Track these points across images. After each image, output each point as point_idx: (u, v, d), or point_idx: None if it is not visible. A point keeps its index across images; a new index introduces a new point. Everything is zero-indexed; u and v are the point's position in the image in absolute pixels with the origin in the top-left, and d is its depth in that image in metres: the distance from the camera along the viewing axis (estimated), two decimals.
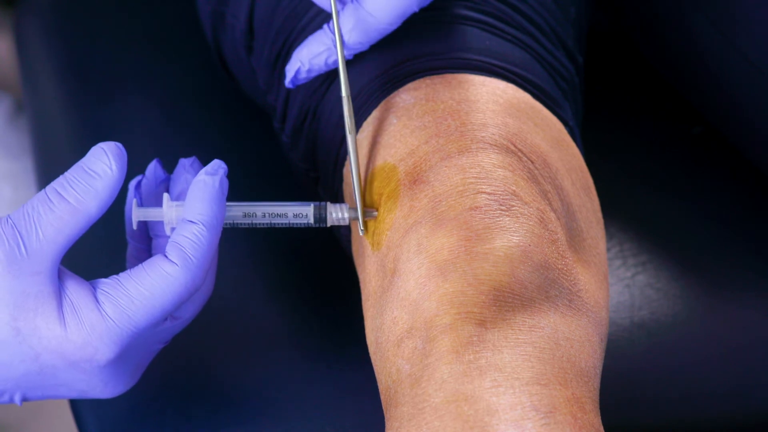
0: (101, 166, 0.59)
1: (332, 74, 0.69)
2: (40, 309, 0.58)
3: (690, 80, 0.89)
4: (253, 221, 0.63)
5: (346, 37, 0.65)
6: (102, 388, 0.60)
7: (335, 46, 0.64)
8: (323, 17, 0.70)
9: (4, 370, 0.58)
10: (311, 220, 0.63)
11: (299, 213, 0.63)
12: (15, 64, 1.28)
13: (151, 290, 0.59)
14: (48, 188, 0.59)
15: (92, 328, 0.58)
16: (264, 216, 0.63)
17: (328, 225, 0.64)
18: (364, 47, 0.65)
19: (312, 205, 0.63)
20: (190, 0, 0.91)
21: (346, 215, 0.63)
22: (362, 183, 0.63)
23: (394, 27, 0.65)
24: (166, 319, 0.61)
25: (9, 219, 0.58)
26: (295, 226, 0.63)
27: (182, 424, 0.74)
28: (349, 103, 0.63)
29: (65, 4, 1.00)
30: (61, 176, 0.59)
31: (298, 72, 0.67)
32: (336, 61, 0.66)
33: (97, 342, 0.58)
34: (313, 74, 0.67)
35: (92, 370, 0.59)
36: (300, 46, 0.67)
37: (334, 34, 0.64)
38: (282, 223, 0.63)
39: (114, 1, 0.99)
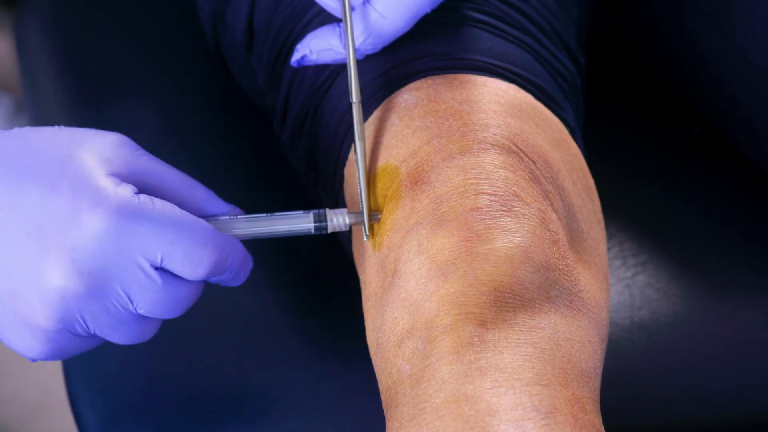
0: (228, 261, 0.60)
1: (334, 73, 0.69)
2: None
3: (690, 80, 0.89)
4: (255, 230, 0.63)
5: (357, 42, 0.64)
6: (46, 295, 0.57)
7: (345, 48, 0.64)
8: (324, 16, 0.70)
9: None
10: (311, 229, 0.63)
11: (298, 221, 0.63)
12: (15, 64, 1.28)
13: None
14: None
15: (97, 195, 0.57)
16: (264, 225, 0.63)
17: (329, 232, 0.63)
18: (376, 49, 0.65)
19: (311, 213, 0.63)
20: (190, 0, 0.91)
21: (347, 221, 0.63)
22: (368, 188, 0.63)
23: (407, 29, 0.65)
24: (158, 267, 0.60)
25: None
26: (295, 234, 0.63)
27: (182, 424, 0.74)
28: (359, 110, 0.63)
29: (65, 4, 1.00)
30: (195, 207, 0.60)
31: (305, 57, 0.67)
32: (344, 57, 0.66)
33: (95, 208, 0.57)
34: (320, 63, 0.67)
35: (80, 224, 0.57)
36: (312, 34, 0.66)
37: (345, 38, 0.63)
38: (283, 231, 0.63)
39: (114, 2, 0.99)
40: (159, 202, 0.58)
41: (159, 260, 0.58)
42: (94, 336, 0.60)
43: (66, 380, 0.79)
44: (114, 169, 0.59)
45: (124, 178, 0.59)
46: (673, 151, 0.90)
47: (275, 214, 0.63)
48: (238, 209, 0.64)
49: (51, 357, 0.60)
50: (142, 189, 0.60)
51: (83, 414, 0.76)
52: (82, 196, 0.57)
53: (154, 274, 0.58)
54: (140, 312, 0.59)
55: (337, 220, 0.63)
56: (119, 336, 0.60)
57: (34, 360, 0.61)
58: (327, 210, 0.63)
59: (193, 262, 0.59)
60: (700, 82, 0.88)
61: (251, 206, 0.65)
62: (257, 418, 0.74)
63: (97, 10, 0.99)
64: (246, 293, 0.79)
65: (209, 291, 0.66)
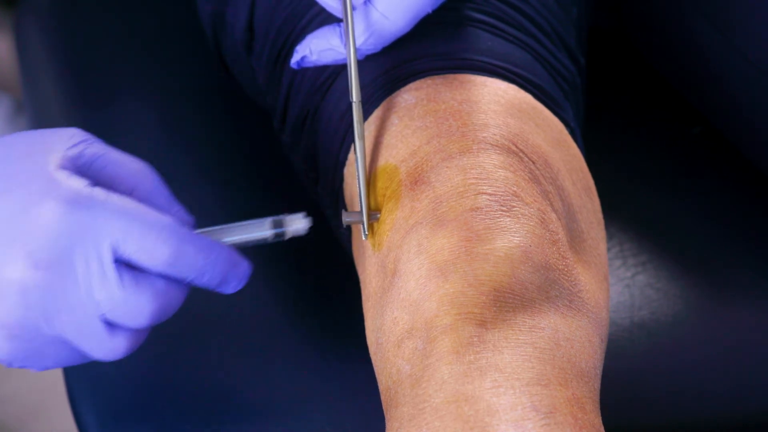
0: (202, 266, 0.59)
1: (334, 74, 0.69)
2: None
3: (690, 80, 0.89)
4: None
5: (358, 42, 0.64)
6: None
7: (345, 47, 0.64)
8: (324, 16, 0.70)
9: None
10: (269, 236, 0.61)
11: (255, 229, 0.61)
12: (15, 64, 1.28)
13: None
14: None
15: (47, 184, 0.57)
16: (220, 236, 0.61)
17: (287, 238, 0.62)
18: (377, 49, 0.65)
19: (267, 221, 0.61)
20: (190, 0, 0.91)
21: (306, 225, 0.61)
22: (367, 187, 0.63)
23: (408, 29, 0.65)
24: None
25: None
26: (255, 242, 0.62)
27: (182, 424, 0.74)
28: (359, 109, 0.63)
29: (65, 4, 1.00)
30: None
31: (305, 58, 0.67)
32: (344, 57, 0.66)
33: (46, 199, 0.56)
34: (320, 64, 0.67)
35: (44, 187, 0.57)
36: (312, 35, 0.66)
37: (346, 37, 0.63)
38: (241, 241, 0.61)
39: (114, 2, 1.00)
40: (113, 194, 0.58)
41: (113, 246, 0.57)
42: (65, 342, 0.59)
43: (66, 380, 0.79)
44: (68, 162, 0.59)
45: (78, 168, 0.59)
46: (673, 151, 0.90)
47: (231, 225, 0.61)
48: (184, 213, 0.62)
49: (26, 361, 0.59)
50: (98, 181, 0.60)
51: (83, 414, 0.76)
52: (34, 189, 0.57)
53: (111, 265, 0.57)
54: (104, 313, 0.57)
55: (296, 225, 0.61)
56: (89, 344, 0.58)
57: (10, 366, 0.60)
58: (284, 216, 0.62)
59: (148, 248, 0.57)
60: (700, 82, 0.88)
61: (251, 206, 0.65)
62: (257, 418, 0.74)
63: (97, 10, 0.99)
64: (245, 293, 0.79)
65: (209, 291, 0.66)
